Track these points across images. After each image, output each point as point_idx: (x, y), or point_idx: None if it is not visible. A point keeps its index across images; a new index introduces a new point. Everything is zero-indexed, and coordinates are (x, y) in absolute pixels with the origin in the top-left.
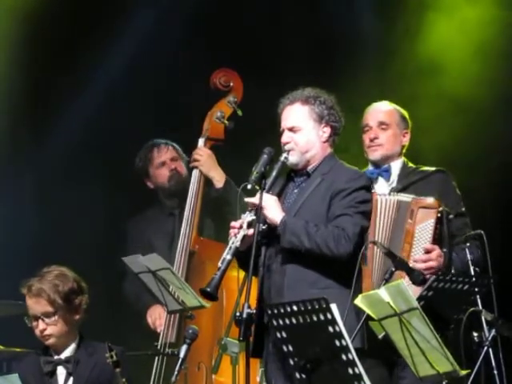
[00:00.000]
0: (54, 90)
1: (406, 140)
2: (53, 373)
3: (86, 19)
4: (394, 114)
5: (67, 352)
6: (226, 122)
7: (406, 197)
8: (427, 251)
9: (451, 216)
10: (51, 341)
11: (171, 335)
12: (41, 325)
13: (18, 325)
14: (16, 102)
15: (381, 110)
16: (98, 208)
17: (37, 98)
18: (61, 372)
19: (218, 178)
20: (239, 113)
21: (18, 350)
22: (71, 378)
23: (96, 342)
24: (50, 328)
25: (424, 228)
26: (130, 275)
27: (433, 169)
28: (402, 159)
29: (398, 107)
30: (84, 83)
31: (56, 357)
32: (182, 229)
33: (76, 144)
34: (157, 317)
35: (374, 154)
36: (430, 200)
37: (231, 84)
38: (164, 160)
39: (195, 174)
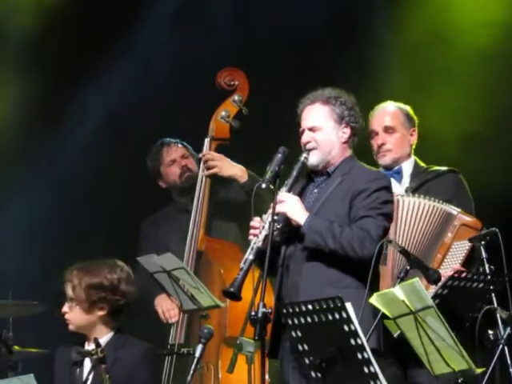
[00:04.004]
0: (68, 89)
1: (414, 138)
2: (81, 363)
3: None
4: (398, 116)
5: (93, 345)
6: (232, 121)
7: (453, 209)
8: (455, 272)
9: (488, 238)
10: (70, 326)
11: (180, 336)
12: (65, 307)
13: (33, 325)
14: (31, 102)
15: (385, 114)
16: (110, 208)
17: (52, 97)
18: (87, 364)
19: (241, 174)
20: (245, 112)
21: (34, 350)
22: (93, 372)
23: (133, 338)
24: (69, 313)
25: (461, 246)
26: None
27: (444, 168)
28: (413, 159)
29: (403, 105)
30: (98, 84)
31: (86, 348)
32: (190, 229)
33: (92, 142)
34: (168, 307)
35: (385, 160)
36: (474, 220)
37: (236, 83)
38: (174, 158)
39: (202, 171)
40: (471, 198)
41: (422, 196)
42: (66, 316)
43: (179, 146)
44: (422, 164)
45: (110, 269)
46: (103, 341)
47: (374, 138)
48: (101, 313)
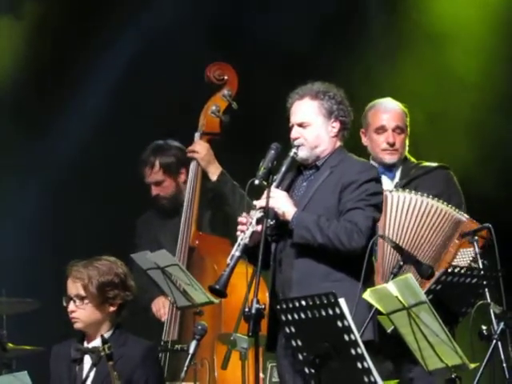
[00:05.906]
0: (57, 87)
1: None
2: (81, 360)
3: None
4: (405, 117)
5: (97, 342)
6: (222, 115)
7: (462, 216)
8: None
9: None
10: (78, 325)
11: (173, 332)
12: (71, 306)
13: (27, 322)
14: (20, 101)
15: (396, 113)
16: (108, 207)
17: (41, 96)
18: (87, 361)
19: (213, 171)
20: (234, 106)
21: (27, 347)
22: (94, 369)
23: (133, 335)
24: (78, 311)
25: (465, 253)
26: (134, 271)
27: (434, 164)
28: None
29: (403, 106)
30: (85, 83)
31: (86, 345)
32: (181, 225)
33: (83, 142)
34: (161, 306)
35: (392, 158)
36: (480, 227)
37: (225, 77)
38: (150, 182)
39: (193, 168)
40: (462, 195)
41: (413, 192)
42: (74, 315)
43: (156, 167)
44: (413, 159)
45: (115, 265)
46: (105, 336)
47: (381, 134)
48: (111, 309)
